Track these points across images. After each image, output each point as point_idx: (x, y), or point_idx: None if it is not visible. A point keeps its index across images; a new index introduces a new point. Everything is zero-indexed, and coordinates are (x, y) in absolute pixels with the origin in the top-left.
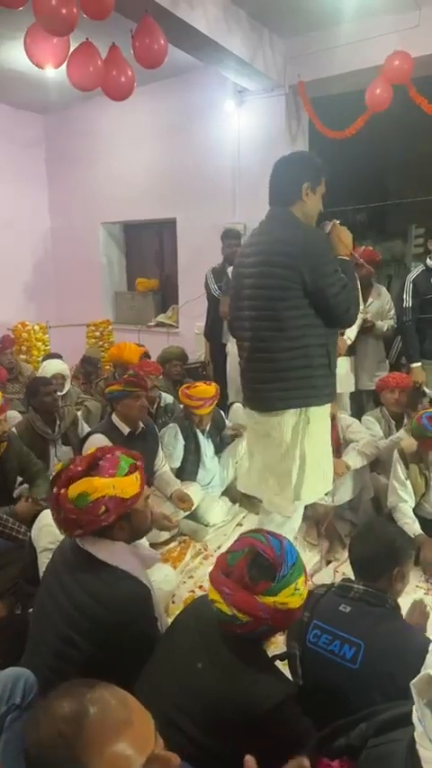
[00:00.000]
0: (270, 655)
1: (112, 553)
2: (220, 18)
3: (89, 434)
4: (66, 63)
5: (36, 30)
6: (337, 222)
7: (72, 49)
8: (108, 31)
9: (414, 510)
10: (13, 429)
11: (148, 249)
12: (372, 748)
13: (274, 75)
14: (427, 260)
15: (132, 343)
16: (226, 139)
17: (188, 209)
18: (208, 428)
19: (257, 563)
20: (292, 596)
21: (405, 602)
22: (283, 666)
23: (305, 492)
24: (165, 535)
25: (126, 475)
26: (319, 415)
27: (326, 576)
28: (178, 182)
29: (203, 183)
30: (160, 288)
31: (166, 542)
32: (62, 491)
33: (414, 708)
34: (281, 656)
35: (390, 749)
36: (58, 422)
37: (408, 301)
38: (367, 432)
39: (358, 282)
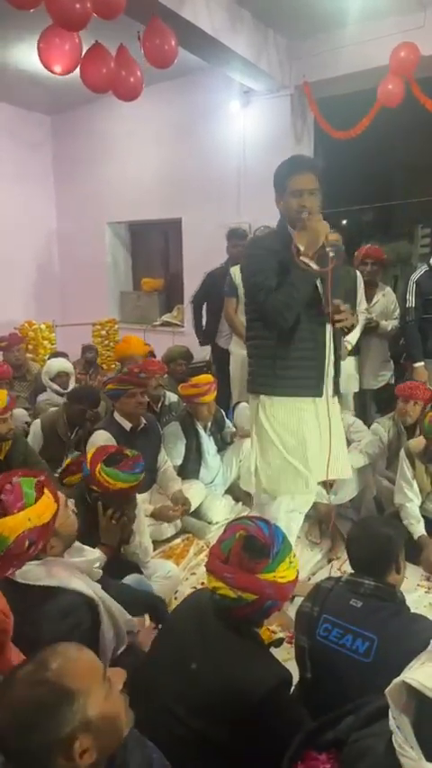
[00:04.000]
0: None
1: (40, 571)
2: (225, 19)
3: (93, 431)
4: (78, 66)
5: (50, 34)
6: (310, 215)
7: (83, 52)
8: (113, 34)
9: (420, 508)
10: (37, 421)
11: (153, 249)
12: (353, 743)
13: (279, 75)
14: (431, 260)
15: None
16: (231, 140)
17: (193, 209)
18: (209, 425)
19: (251, 545)
20: (288, 569)
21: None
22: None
23: (273, 484)
24: (168, 532)
25: (36, 500)
26: (277, 407)
27: (327, 575)
28: (184, 182)
29: (209, 184)
30: (165, 287)
31: (170, 539)
32: None
33: (390, 714)
34: (275, 644)
35: (368, 744)
36: (77, 428)
37: (411, 301)
38: (369, 431)
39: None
